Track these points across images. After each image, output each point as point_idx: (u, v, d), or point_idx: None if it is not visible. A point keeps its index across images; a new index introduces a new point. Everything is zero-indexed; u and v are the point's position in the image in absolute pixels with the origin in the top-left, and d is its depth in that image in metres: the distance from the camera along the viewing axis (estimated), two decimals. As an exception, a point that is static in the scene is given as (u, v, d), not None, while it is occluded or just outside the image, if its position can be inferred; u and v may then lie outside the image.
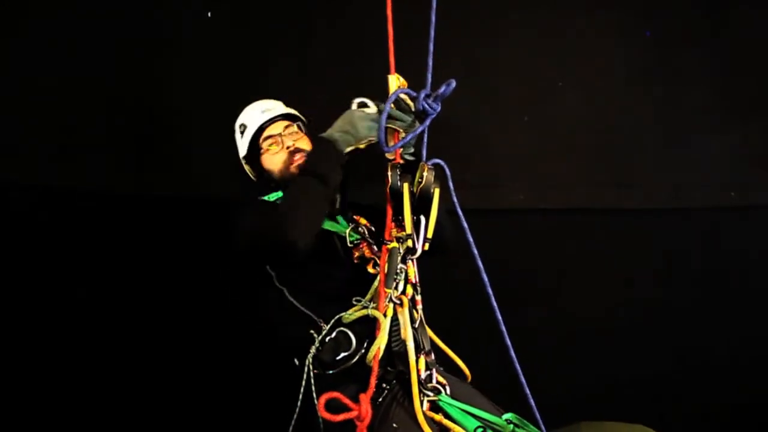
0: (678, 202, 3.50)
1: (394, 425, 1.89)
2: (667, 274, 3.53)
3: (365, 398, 1.76)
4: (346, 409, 1.74)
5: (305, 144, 2.42)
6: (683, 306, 3.47)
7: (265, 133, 2.44)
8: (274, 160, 2.41)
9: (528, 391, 2.14)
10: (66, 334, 3.04)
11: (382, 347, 1.92)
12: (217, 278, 3.15)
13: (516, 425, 1.98)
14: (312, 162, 2.15)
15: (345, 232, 2.29)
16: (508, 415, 2.03)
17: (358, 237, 2.29)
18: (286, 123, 2.46)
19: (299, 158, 2.36)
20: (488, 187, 3.39)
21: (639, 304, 3.48)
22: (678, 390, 3.43)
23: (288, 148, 2.40)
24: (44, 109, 3.05)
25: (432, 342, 2.22)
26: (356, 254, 2.26)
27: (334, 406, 1.71)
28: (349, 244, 2.26)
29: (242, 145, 2.50)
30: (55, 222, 3.04)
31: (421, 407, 1.91)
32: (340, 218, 2.38)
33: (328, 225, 2.29)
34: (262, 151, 2.44)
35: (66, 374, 3.03)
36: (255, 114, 2.48)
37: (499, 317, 2.10)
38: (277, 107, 2.52)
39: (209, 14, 3.24)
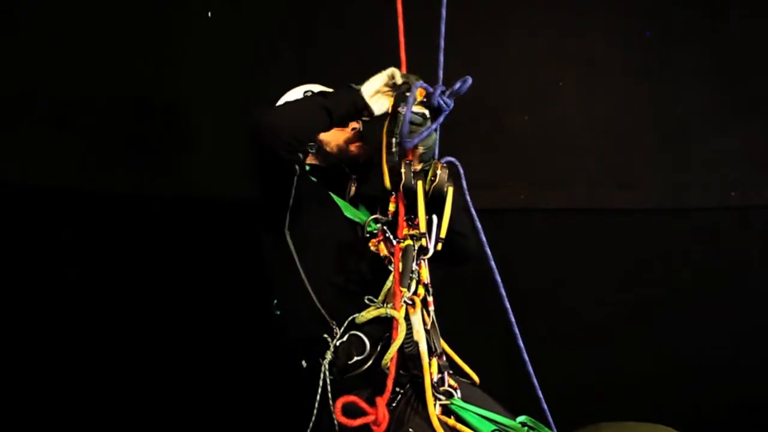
0: (678, 202, 3.52)
1: (410, 430, 1.87)
2: (667, 274, 3.54)
3: (382, 402, 1.74)
4: (362, 413, 1.72)
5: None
6: (683, 306, 3.48)
7: None
8: (338, 133, 2.39)
9: (540, 394, 2.13)
10: (67, 336, 3.00)
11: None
12: (218, 278, 3.13)
13: (531, 427, 1.96)
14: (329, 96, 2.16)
15: (364, 221, 2.25)
16: (522, 418, 2.00)
17: (376, 228, 2.25)
18: None
19: (360, 144, 2.40)
20: (488, 187, 3.37)
21: (639, 304, 3.48)
22: (677, 390, 3.43)
23: (353, 129, 2.41)
24: (43, 110, 3.03)
25: None
26: (371, 245, 2.21)
27: (350, 410, 1.69)
28: (366, 234, 2.22)
29: None
30: (55, 222, 3.01)
31: (434, 411, 1.88)
32: (362, 207, 2.36)
33: (350, 212, 2.27)
34: None
35: (69, 376, 2.99)
36: (325, 89, 2.46)
37: (512, 318, 2.09)
38: None
39: (209, 14, 3.23)
